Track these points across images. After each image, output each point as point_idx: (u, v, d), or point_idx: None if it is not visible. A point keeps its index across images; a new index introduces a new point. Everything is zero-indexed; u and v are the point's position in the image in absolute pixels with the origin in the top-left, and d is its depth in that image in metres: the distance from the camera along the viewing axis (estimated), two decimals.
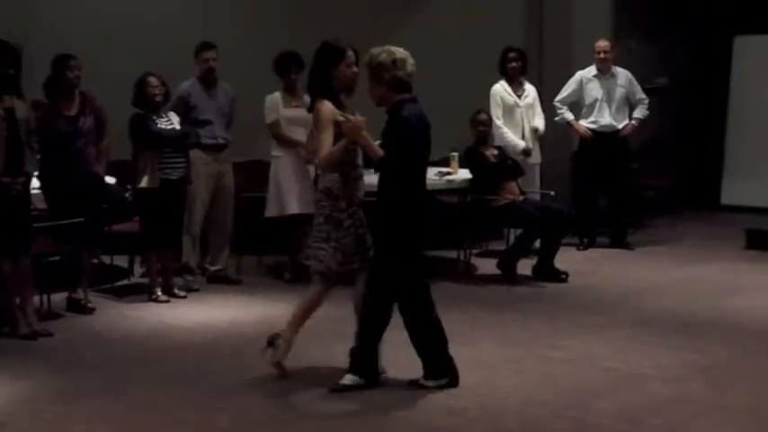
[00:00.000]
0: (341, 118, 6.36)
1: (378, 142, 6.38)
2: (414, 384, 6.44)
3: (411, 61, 6.36)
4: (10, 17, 9.85)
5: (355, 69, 6.61)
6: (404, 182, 6.33)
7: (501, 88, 10.72)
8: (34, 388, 6.56)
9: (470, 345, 6.86)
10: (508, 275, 9.67)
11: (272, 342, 6.68)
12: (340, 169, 6.47)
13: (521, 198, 9.82)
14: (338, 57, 6.54)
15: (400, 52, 6.34)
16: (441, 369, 6.46)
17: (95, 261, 9.62)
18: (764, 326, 7.96)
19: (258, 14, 11.50)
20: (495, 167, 9.90)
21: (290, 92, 9.57)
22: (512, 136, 10.62)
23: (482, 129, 10.06)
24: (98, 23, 10.55)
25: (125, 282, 9.62)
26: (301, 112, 9.52)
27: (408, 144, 6.27)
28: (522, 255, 9.82)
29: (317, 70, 6.61)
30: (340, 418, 5.96)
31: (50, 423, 5.92)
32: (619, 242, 11.36)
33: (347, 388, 6.38)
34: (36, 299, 8.22)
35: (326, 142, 6.39)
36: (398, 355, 6.65)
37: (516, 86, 10.78)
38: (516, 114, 10.73)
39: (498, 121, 10.60)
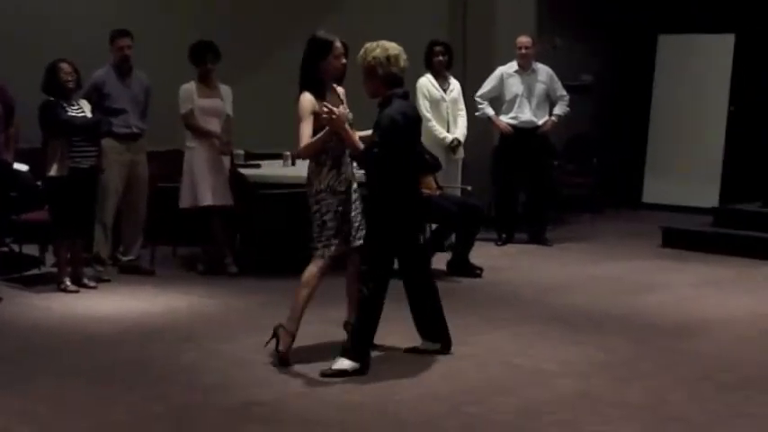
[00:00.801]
0: (324, 109, 6.49)
1: (366, 132, 6.62)
2: (324, 374, 6.46)
3: (404, 57, 6.58)
4: None
5: (344, 61, 6.85)
6: (391, 176, 6.52)
7: (427, 81, 10.65)
8: None
9: (378, 339, 6.81)
10: None
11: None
12: (317, 158, 6.67)
13: (437, 193, 9.79)
14: (326, 50, 6.71)
15: (394, 48, 6.54)
16: (361, 353, 6.54)
17: (5, 249, 9.47)
18: (671, 323, 7.98)
19: (175, 1, 11.35)
20: None
21: (204, 82, 9.47)
22: (440, 129, 10.57)
23: None
24: (6, 7, 10.35)
25: (35, 271, 9.47)
26: (216, 102, 9.50)
27: (396, 141, 6.45)
28: (437, 249, 9.80)
29: (305, 63, 6.74)
30: (233, 412, 5.87)
31: None
32: (537, 238, 11.39)
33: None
34: None
35: (305, 132, 6.58)
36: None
37: (442, 80, 10.72)
38: (442, 108, 10.67)
39: (427, 114, 10.57)
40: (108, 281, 9.17)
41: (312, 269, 6.72)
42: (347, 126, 6.53)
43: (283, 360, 6.64)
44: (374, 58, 6.49)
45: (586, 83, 13.97)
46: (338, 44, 6.77)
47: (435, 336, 7.01)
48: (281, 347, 6.66)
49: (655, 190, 14.07)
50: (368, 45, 6.58)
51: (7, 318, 7.99)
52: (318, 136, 6.56)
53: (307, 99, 6.64)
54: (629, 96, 14.33)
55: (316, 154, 6.67)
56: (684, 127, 13.87)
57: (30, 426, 5.63)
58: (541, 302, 8.68)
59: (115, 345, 7.25)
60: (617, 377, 6.59)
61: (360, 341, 6.56)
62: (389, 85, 6.54)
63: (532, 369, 6.73)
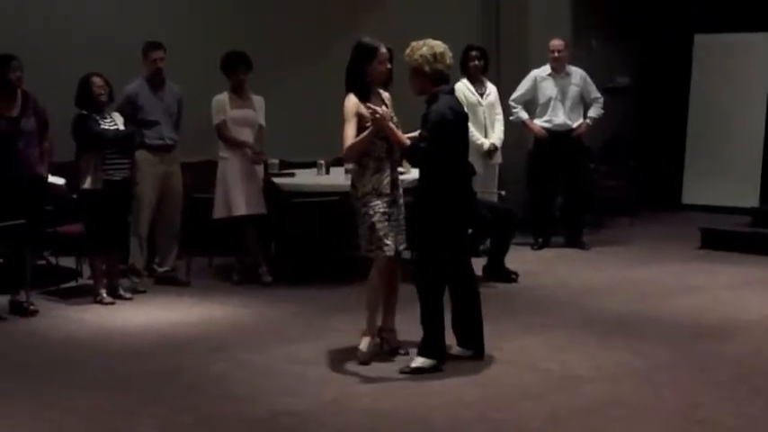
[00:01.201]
0: (366, 110, 6.70)
1: (414, 133, 6.78)
2: (402, 371, 6.64)
3: (450, 54, 6.75)
4: None
5: (388, 65, 7.02)
6: (441, 173, 6.63)
7: (463, 86, 10.61)
8: None
9: (413, 345, 6.82)
10: None
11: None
12: (360, 161, 6.83)
13: None
14: (371, 55, 6.92)
15: (439, 46, 6.71)
16: (435, 349, 6.70)
17: (43, 262, 9.54)
18: (706, 326, 7.88)
19: (206, 13, 11.38)
20: None
21: (237, 92, 9.50)
22: (477, 134, 10.53)
23: None
24: (42, 22, 10.42)
25: (72, 283, 9.53)
26: (249, 113, 9.52)
27: (446, 137, 6.58)
28: (472, 254, 9.73)
29: (351, 67, 6.94)
30: (262, 422, 5.88)
31: None
32: (574, 242, 11.33)
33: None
34: None
35: (349, 133, 6.76)
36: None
37: (478, 85, 10.70)
38: (479, 113, 10.64)
39: None
40: (144, 292, 9.23)
41: (373, 273, 6.88)
42: (391, 124, 6.69)
43: (364, 361, 6.82)
44: (421, 56, 6.63)
45: (622, 85, 13.90)
46: (383, 50, 6.94)
47: (470, 343, 7.03)
48: (362, 347, 6.86)
49: (694, 191, 13.93)
50: (414, 44, 6.74)
51: (42, 330, 8.05)
52: (362, 136, 6.72)
53: (351, 101, 6.82)
54: (667, 97, 14.21)
55: (359, 155, 6.80)
56: (723, 127, 13.73)
57: None
58: (577, 306, 8.62)
59: (148, 355, 7.29)
60: (647, 382, 6.52)
61: (429, 339, 6.70)
62: (436, 82, 6.67)
63: (564, 374, 6.69)
